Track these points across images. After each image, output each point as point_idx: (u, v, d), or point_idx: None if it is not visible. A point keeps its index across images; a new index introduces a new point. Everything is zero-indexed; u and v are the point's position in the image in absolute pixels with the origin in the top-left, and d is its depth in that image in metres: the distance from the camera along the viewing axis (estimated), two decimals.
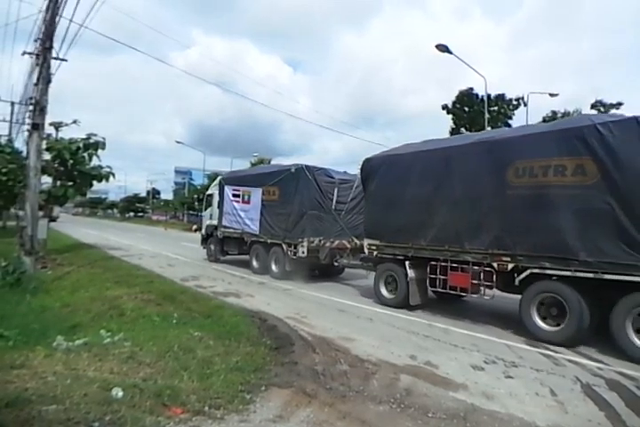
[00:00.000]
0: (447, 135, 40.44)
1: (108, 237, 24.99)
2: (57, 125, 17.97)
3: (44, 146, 14.46)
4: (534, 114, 44.72)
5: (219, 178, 16.40)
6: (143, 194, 76.52)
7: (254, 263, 12.92)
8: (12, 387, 3.30)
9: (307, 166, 11.41)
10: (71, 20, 10.97)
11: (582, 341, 6.03)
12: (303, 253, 10.95)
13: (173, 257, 16.50)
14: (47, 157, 15.62)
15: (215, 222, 14.92)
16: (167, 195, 76.67)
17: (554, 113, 36.33)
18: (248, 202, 13.15)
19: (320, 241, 11.18)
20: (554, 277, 6.21)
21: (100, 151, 16.68)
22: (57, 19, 11.51)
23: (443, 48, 18.64)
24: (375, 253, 8.92)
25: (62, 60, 12.35)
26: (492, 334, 6.69)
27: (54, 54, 11.95)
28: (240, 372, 4.38)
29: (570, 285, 5.96)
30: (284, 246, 11.51)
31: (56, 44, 11.84)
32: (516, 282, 6.55)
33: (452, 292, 7.59)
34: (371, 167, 9.30)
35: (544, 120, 36.51)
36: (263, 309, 7.88)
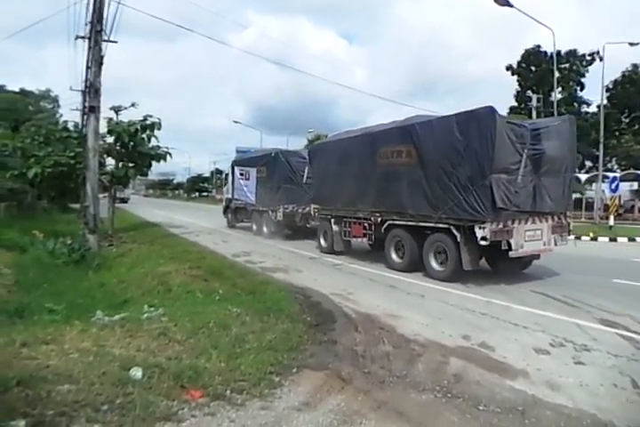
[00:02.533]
0: (512, 100, 37.34)
1: (172, 216, 26.00)
2: (117, 109, 18.52)
3: (104, 129, 14.94)
4: (612, 69, 39.81)
5: (231, 161, 20.66)
6: (207, 174, 79.06)
7: (254, 227, 16.42)
8: (33, 364, 3.23)
9: (281, 151, 15.35)
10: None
11: (415, 268, 8.70)
12: (280, 217, 14.30)
13: (229, 233, 16.91)
14: (110, 140, 16.20)
15: (230, 196, 18.67)
16: None
17: (635, 66, 32.06)
18: (249, 179, 16.61)
19: (293, 208, 14.21)
20: (399, 226, 9.10)
21: (160, 133, 16.98)
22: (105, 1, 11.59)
23: (502, 1, 16.85)
24: (317, 213, 12.18)
25: (112, 42, 12.51)
26: (562, 312, 5.95)
27: (104, 37, 12.10)
28: (273, 351, 4.09)
29: (406, 230, 8.94)
30: (270, 212, 14.87)
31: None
32: (382, 230, 9.48)
33: (352, 239, 10.98)
34: (313, 152, 13.13)
35: (623, 75, 32.36)
36: (309, 285, 7.62)
